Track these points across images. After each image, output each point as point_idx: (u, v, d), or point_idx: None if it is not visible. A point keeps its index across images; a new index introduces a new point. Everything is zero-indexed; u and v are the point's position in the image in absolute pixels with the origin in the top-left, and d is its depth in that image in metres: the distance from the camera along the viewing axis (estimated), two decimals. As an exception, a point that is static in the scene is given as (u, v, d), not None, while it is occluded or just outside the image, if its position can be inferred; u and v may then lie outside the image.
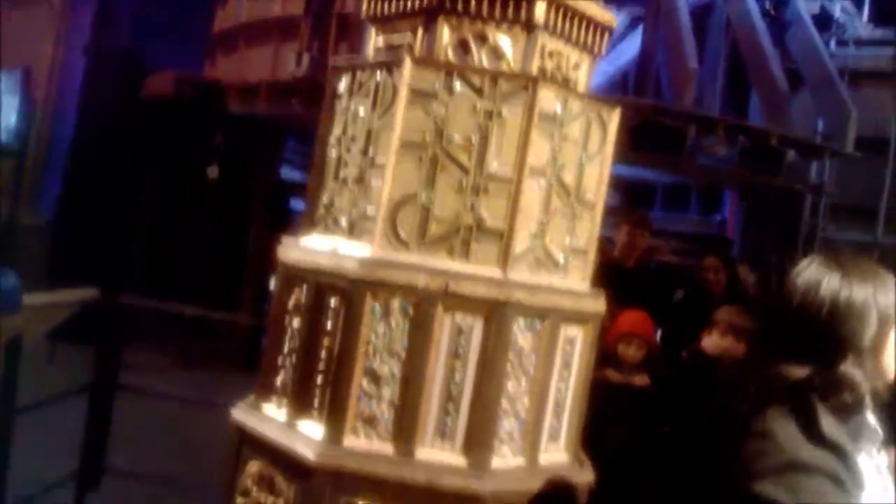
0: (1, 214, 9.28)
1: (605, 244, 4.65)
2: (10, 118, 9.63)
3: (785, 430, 1.55)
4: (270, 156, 10.07)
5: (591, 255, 2.39)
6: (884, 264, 1.71)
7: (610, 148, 2.34)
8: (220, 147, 9.18)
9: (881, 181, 8.79)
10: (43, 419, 3.93)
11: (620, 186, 9.49)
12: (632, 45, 8.68)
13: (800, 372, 1.58)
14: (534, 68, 2.20)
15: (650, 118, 7.03)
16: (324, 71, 2.91)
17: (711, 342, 4.10)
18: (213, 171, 9.15)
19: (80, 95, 10.23)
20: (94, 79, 10.18)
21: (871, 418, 1.63)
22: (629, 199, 10.26)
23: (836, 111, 8.33)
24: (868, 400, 1.60)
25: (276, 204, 10.02)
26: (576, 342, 2.32)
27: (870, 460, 1.64)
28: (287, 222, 8.84)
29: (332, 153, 2.34)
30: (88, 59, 10.19)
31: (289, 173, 10.62)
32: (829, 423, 1.54)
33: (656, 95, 8.17)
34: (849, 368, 1.57)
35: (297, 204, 9.65)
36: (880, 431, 1.66)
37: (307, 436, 2.12)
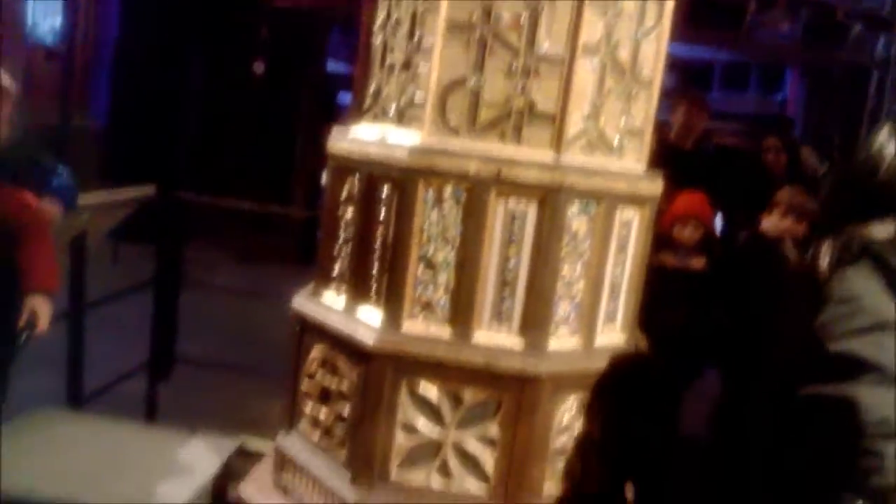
0: (53, 118, 9.38)
1: (661, 126, 4.54)
2: (55, 19, 9.59)
3: (868, 291, 1.51)
4: (316, 49, 9.94)
5: (648, 136, 2.33)
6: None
7: (667, 22, 2.24)
8: (265, 41, 9.07)
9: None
10: (111, 315, 4.07)
11: (676, 67, 9.17)
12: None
13: (883, 231, 1.55)
14: (586, -60, 2.09)
15: (707, -7, 6.71)
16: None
17: (771, 223, 4.02)
18: (258, 67, 9.08)
19: (124, -6, 10.15)
20: (137, -27, 10.06)
21: None
22: (685, 80, 9.94)
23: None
24: None
25: (324, 97, 9.96)
26: (632, 225, 2.28)
27: None
28: (335, 115, 8.80)
29: (378, 39, 2.29)
30: (130, -46, 10.05)
31: (335, 66, 10.51)
32: None
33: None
34: None
35: (345, 97, 9.58)
36: None
37: (366, 321, 2.16)
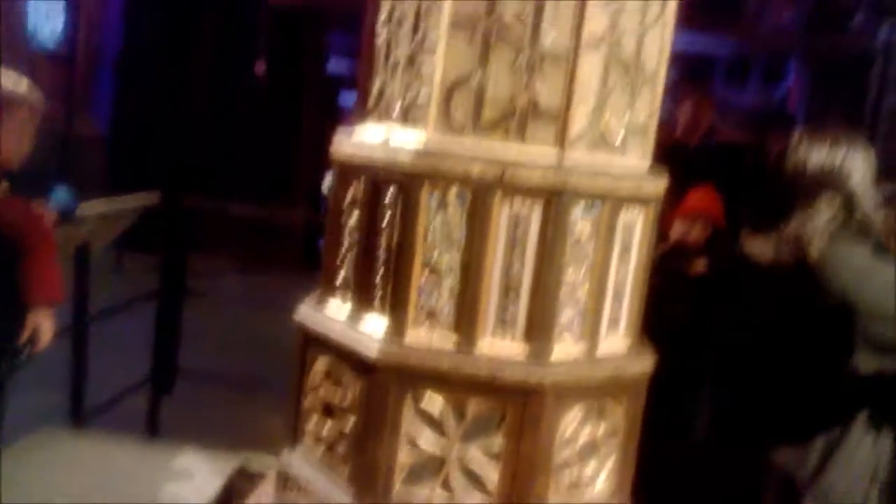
0: (55, 124, 9.35)
1: (666, 123, 4.49)
2: (56, 23, 9.56)
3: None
4: (317, 48, 9.91)
5: (652, 132, 2.27)
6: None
7: (671, 12, 2.19)
8: (266, 42, 9.04)
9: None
10: (115, 327, 4.04)
11: (677, 62, 9.11)
12: None
13: (827, 213, 2.32)
14: (588, -71, 2.03)
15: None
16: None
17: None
18: (259, 67, 9.05)
19: (125, -3, 10.12)
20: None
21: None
22: (687, 75, 9.88)
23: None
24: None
25: (326, 97, 9.93)
26: (635, 225, 2.23)
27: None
28: (337, 116, 8.76)
29: (381, 37, 2.24)
30: (128, -43, 10.02)
31: (337, 65, 10.47)
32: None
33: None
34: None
35: (347, 97, 9.54)
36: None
37: (370, 332, 2.11)
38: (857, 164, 2.37)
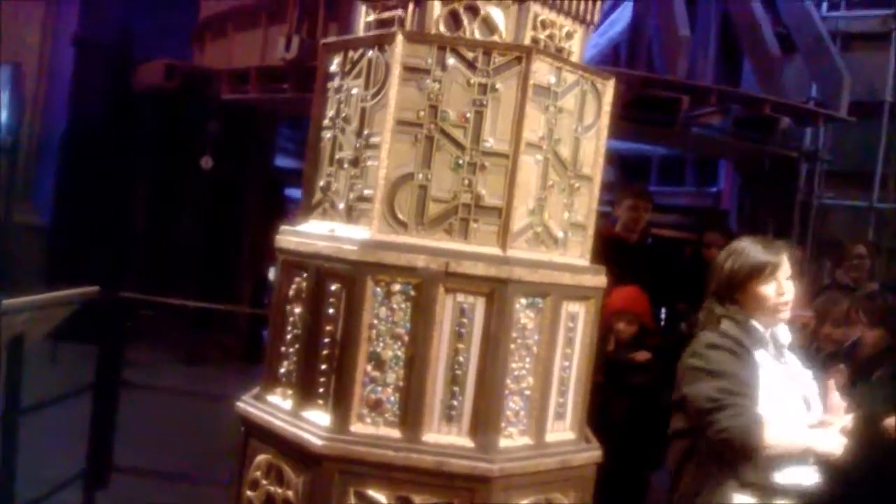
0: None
1: (604, 219, 4.63)
2: (1, 114, 9.54)
3: (707, 335, 2.64)
4: (264, 143, 10.01)
5: (590, 230, 2.37)
6: (882, 229, 2.16)
7: (605, 119, 2.31)
8: (213, 136, 9.11)
9: (876, 146, 8.73)
10: (48, 420, 3.91)
11: (615, 161, 9.45)
12: (622, 16, 8.60)
13: (718, 308, 2.68)
14: (527, 39, 2.16)
15: (643, 90, 6.97)
16: (314, 54, 2.88)
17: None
18: (206, 162, 9.08)
19: (71, 89, 10.15)
20: (84, 71, 10.10)
21: (760, 329, 2.62)
22: (624, 174, 10.23)
23: (829, 76, 8.26)
24: (749, 321, 2.61)
25: (272, 192, 9.98)
26: (578, 318, 2.29)
27: (767, 354, 2.61)
28: (283, 211, 8.80)
29: (327, 135, 2.31)
30: (77, 50, 10.10)
31: (283, 161, 10.57)
32: (730, 327, 2.61)
33: (648, 67, 8.10)
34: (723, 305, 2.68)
35: (293, 192, 9.61)
36: (774, 340, 2.66)
37: (314, 424, 2.10)
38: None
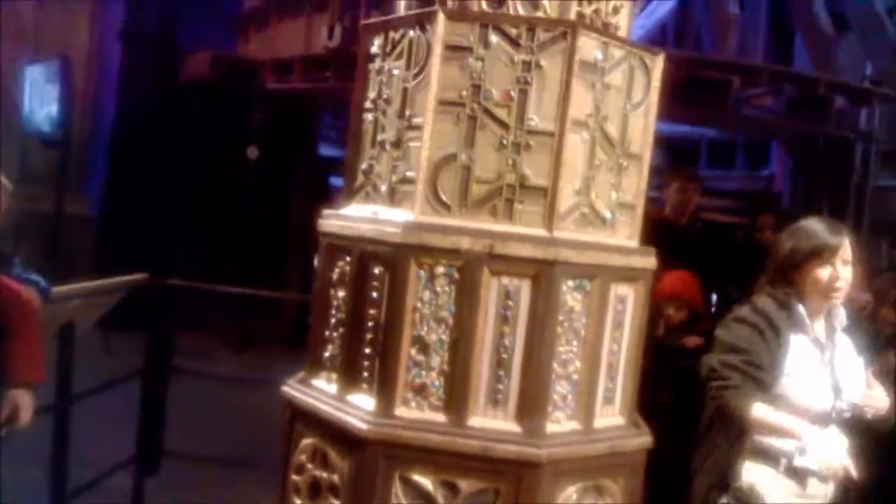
0: (47, 206, 9.39)
1: (652, 203, 4.54)
2: (52, 108, 9.72)
3: (741, 309, 2.67)
4: (308, 132, 10.06)
5: (639, 210, 2.30)
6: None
7: (655, 95, 2.24)
8: (258, 126, 9.17)
9: (934, 125, 8.46)
10: (101, 407, 3.97)
11: (663, 144, 9.30)
12: (669, -3, 8.44)
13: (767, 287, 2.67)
14: (572, 14, 2.10)
15: (692, 71, 6.83)
16: (356, 41, 2.86)
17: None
18: (252, 152, 9.15)
19: (119, 82, 10.30)
20: (131, 64, 10.24)
21: (802, 312, 2.57)
22: (673, 158, 10.06)
23: (884, 54, 8.02)
24: (791, 302, 2.58)
25: (317, 180, 10.03)
26: (627, 301, 2.23)
27: (805, 339, 2.57)
28: (328, 199, 8.83)
29: (369, 117, 2.28)
30: (124, 44, 10.24)
31: (327, 150, 10.62)
32: (767, 304, 2.60)
33: (696, 48, 7.94)
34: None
35: (337, 181, 9.64)
36: (828, 322, 2.62)
37: (359, 408, 2.08)
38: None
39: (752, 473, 2.52)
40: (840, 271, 2.56)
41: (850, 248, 2.59)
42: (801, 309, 2.59)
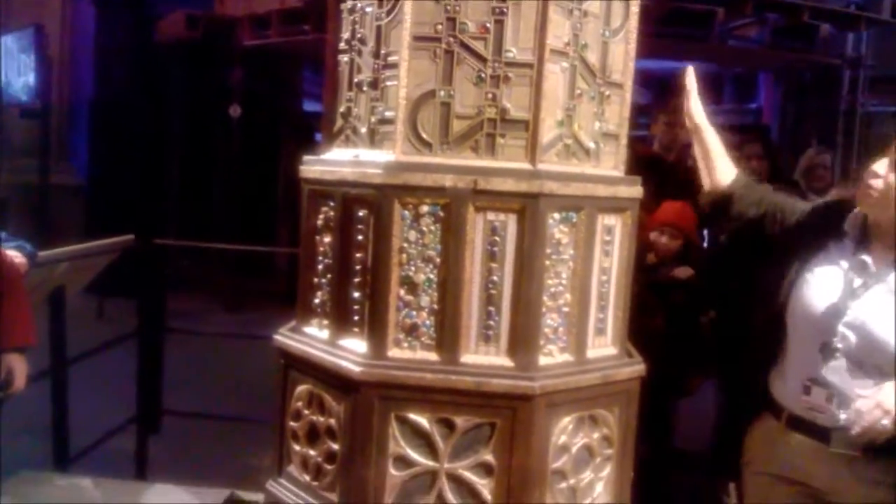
0: (32, 175, 9.32)
1: (641, 141, 4.50)
2: (28, 77, 9.58)
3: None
4: (289, 88, 9.95)
5: (623, 140, 2.28)
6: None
7: (635, 21, 2.20)
8: (238, 84, 9.06)
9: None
10: (97, 371, 3.98)
11: (650, 81, 9.21)
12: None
13: None
14: (546, -61, 2.05)
15: (675, 3, 6.73)
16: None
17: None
18: (235, 110, 9.06)
19: (94, 48, 10.14)
20: (106, 29, 10.07)
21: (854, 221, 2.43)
22: (661, 94, 9.98)
23: (870, -24, 7.92)
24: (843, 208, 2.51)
25: (303, 137, 9.94)
26: (614, 231, 2.22)
27: (845, 250, 2.40)
28: (315, 152, 8.76)
29: (344, 59, 2.24)
30: (97, 9, 10.06)
31: (312, 106, 10.52)
32: (831, 205, 2.62)
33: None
34: None
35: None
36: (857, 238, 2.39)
37: (351, 352, 2.08)
38: None
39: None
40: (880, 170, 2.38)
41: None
42: (855, 218, 2.42)
